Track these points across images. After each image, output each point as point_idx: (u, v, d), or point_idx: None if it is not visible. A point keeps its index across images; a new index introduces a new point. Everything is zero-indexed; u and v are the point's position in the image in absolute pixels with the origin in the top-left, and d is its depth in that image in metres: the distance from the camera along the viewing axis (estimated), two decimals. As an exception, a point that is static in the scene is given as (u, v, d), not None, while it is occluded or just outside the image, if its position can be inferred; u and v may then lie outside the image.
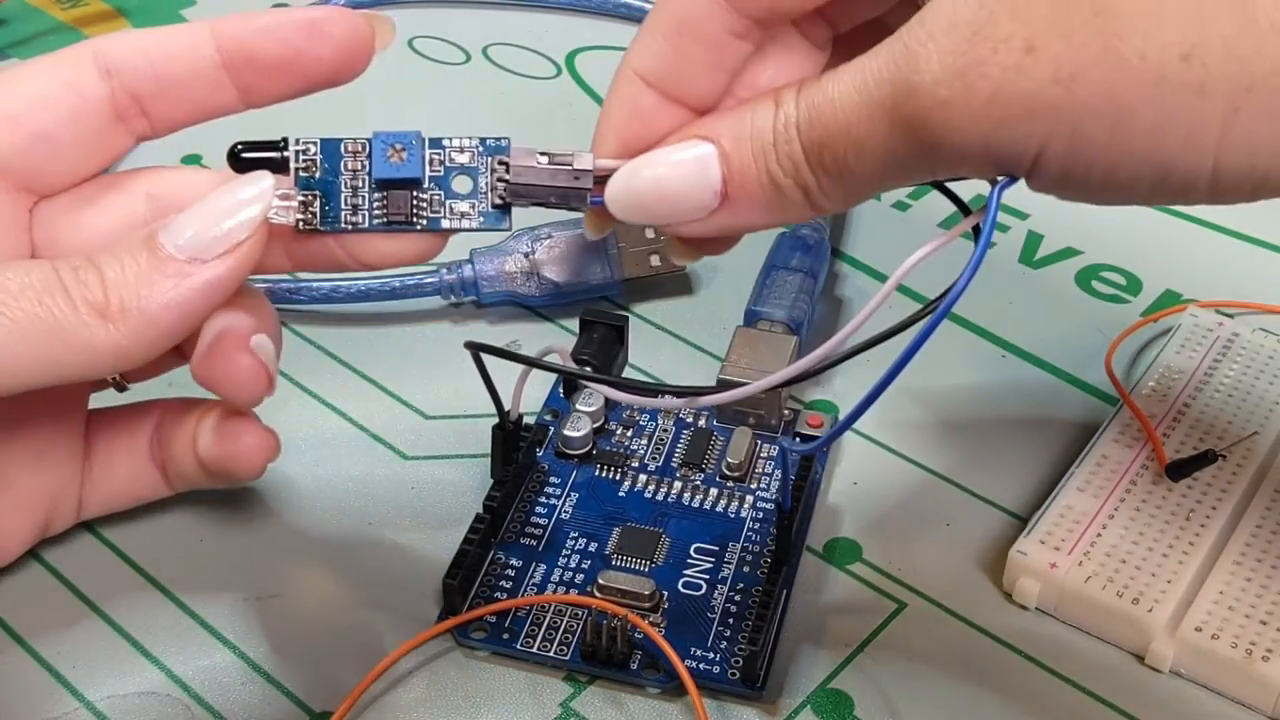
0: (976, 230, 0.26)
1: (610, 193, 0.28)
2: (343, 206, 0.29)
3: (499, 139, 0.29)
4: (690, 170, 0.27)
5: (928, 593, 0.34)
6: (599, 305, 0.41)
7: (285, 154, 0.29)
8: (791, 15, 0.28)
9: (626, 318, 0.38)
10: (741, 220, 0.27)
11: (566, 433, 0.36)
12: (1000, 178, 0.25)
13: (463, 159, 0.29)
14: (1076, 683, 0.32)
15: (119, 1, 0.57)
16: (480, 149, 0.29)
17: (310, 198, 0.29)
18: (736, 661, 0.31)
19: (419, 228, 0.29)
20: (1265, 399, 0.37)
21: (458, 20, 0.56)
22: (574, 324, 0.39)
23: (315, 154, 0.29)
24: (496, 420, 0.33)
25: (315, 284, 0.41)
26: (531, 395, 0.36)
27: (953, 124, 0.23)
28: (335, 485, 0.36)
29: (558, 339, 0.40)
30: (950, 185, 0.28)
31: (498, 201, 0.29)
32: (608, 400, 0.37)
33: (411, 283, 0.41)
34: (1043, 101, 0.23)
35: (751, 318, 0.39)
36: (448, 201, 0.29)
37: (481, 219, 0.29)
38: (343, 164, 0.29)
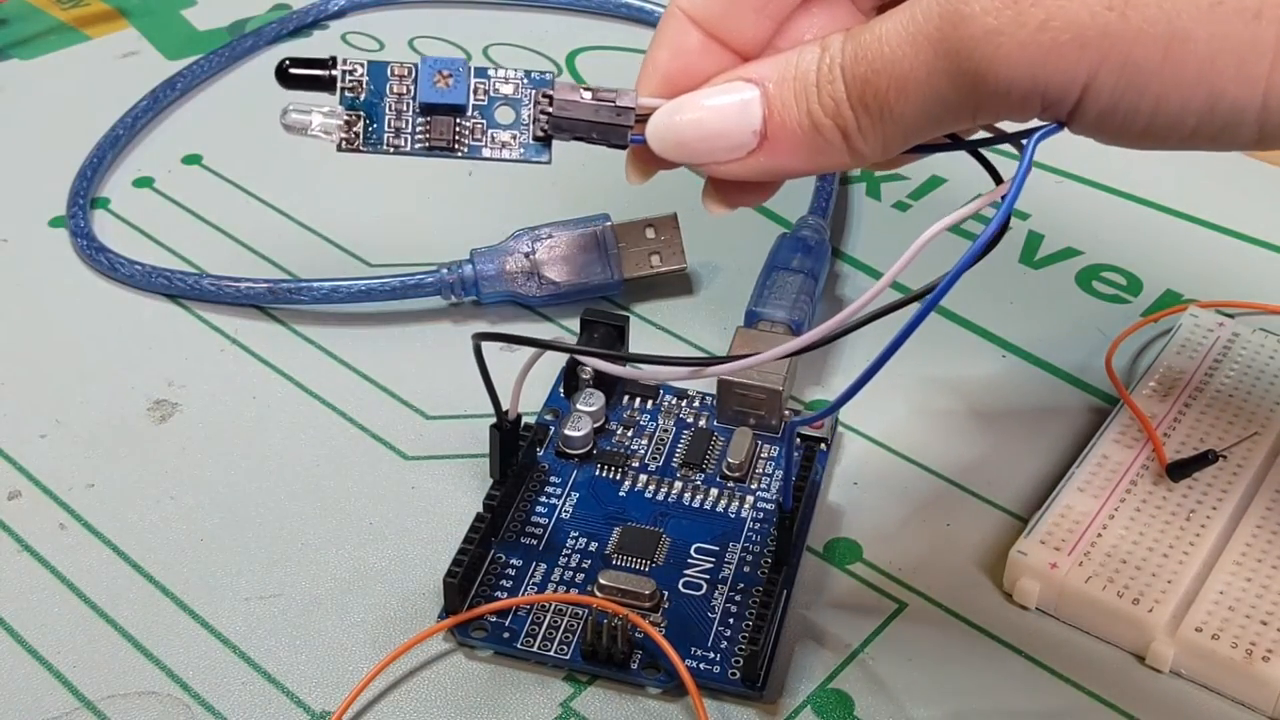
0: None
1: (651, 128, 0.28)
2: (386, 129, 0.29)
3: (544, 72, 0.29)
4: (732, 111, 0.27)
5: (928, 593, 0.34)
6: (599, 305, 0.41)
7: (332, 72, 0.29)
8: None
9: (627, 318, 0.38)
10: (779, 163, 0.27)
11: (567, 432, 0.36)
12: (1041, 125, 0.24)
13: (507, 89, 0.29)
14: (1076, 683, 0.32)
15: (119, 1, 0.57)
16: (525, 81, 0.29)
17: (354, 118, 0.29)
18: (737, 661, 0.31)
19: (459, 155, 0.29)
20: (1266, 399, 0.37)
21: (458, 20, 0.56)
22: (574, 324, 0.39)
23: (362, 75, 0.29)
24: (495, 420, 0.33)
25: (315, 284, 0.41)
26: (531, 395, 0.36)
27: (1001, 53, 0.23)
28: (335, 485, 0.36)
29: (558, 339, 0.40)
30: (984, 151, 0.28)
31: (539, 134, 0.29)
32: (608, 400, 0.37)
33: (411, 283, 0.41)
34: (1095, 28, 0.23)
35: (752, 318, 0.39)
36: (490, 131, 0.29)
37: (522, 150, 0.29)
38: (388, 86, 0.29)
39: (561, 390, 0.38)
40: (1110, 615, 0.32)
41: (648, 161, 0.29)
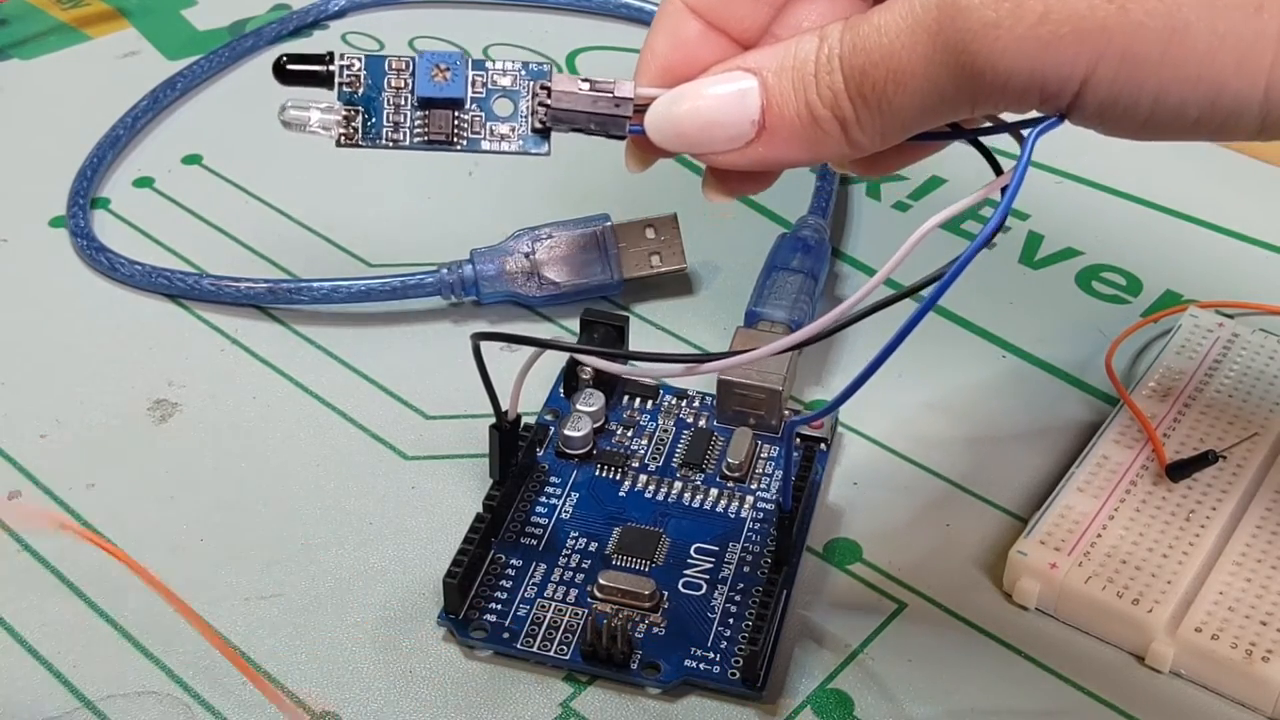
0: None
1: (650, 118, 0.28)
2: (384, 123, 0.29)
3: (541, 64, 0.29)
4: (730, 100, 0.27)
5: (928, 593, 0.34)
6: (599, 305, 0.41)
7: (330, 68, 0.29)
8: None
9: (627, 318, 0.38)
10: (777, 153, 0.27)
11: (567, 433, 0.36)
12: (1041, 117, 0.24)
13: (505, 82, 0.29)
14: (1076, 683, 0.32)
15: (119, 1, 0.57)
16: (523, 73, 0.29)
17: (352, 112, 0.29)
18: (736, 661, 0.31)
19: (459, 148, 0.29)
20: (1266, 400, 0.37)
21: (458, 20, 0.56)
22: (574, 324, 0.39)
23: (359, 69, 0.29)
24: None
25: (315, 284, 0.41)
26: (531, 395, 0.36)
27: (999, 46, 0.23)
28: (335, 485, 0.36)
29: (558, 339, 0.40)
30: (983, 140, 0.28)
31: (538, 125, 0.29)
32: (608, 400, 0.37)
33: (412, 283, 0.41)
34: (1095, 20, 0.23)
35: (752, 318, 0.39)
36: (488, 123, 0.29)
37: (521, 142, 0.29)
38: (386, 81, 0.29)
39: (561, 390, 0.38)
40: (1110, 615, 0.32)
41: (647, 150, 0.29)
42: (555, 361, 0.38)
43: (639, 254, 0.41)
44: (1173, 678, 0.32)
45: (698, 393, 0.38)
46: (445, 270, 0.41)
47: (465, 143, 0.29)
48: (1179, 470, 0.34)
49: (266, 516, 0.35)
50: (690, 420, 0.37)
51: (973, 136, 0.28)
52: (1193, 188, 0.47)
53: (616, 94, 0.28)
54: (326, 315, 0.41)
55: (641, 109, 0.28)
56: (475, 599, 0.33)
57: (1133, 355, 0.40)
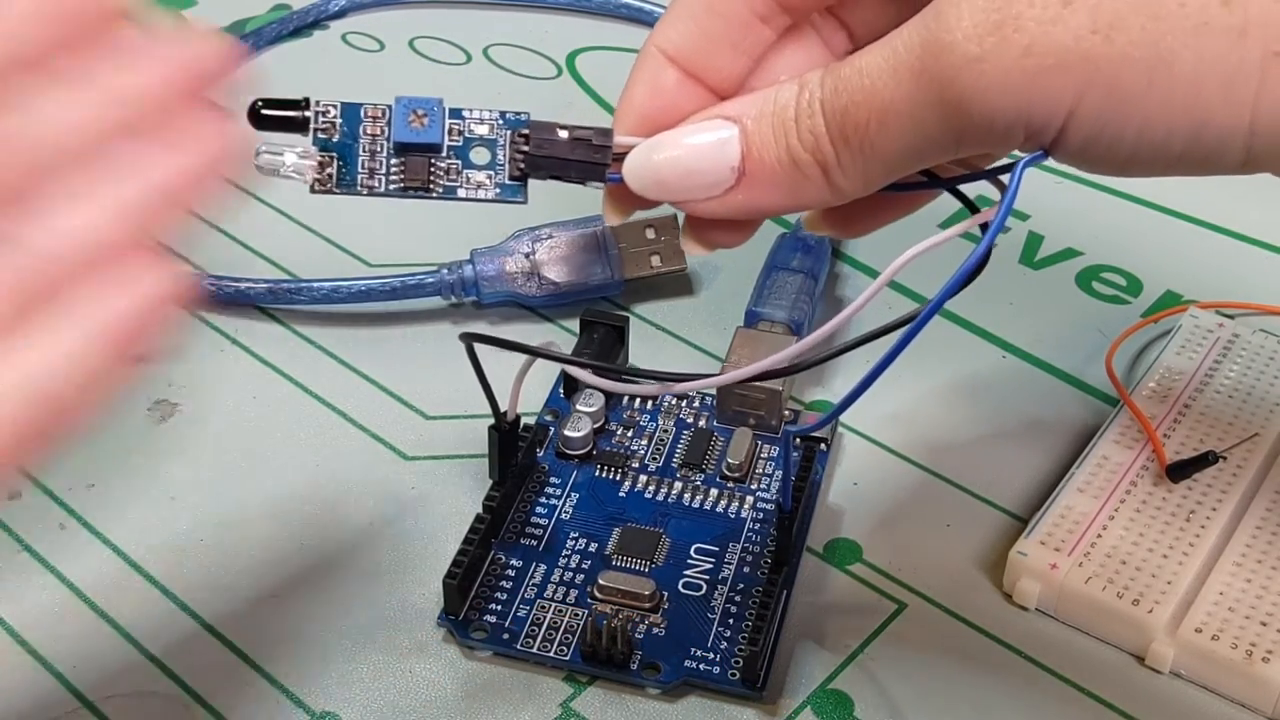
0: (984, 230, 0.26)
1: (628, 167, 0.28)
2: (359, 170, 0.29)
3: (519, 113, 0.29)
4: (710, 148, 0.27)
5: (928, 593, 0.34)
6: (599, 305, 0.41)
7: (305, 114, 0.28)
8: (818, 2, 0.28)
9: (627, 318, 0.38)
10: (758, 200, 0.27)
11: (567, 433, 0.36)
12: (1026, 154, 0.24)
13: (482, 130, 0.29)
14: (1076, 684, 0.32)
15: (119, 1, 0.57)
16: (500, 122, 0.29)
17: (327, 159, 0.29)
18: (737, 662, 0.31)
19: (435, 195, 0.29)
20: (1266, 400, 0.37)
21: (458, 20, 0.56)
22: (574, 324, 0.39)
23: (335, 116, 0.28)
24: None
25: (315, 284, 0.41)
26: (532, 395, 0.36)
27: (984, 81, 0.23)
28: (335, 485, 0.36)
29: (558, 339, 0.40)
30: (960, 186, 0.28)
31: (515, 173, 0.29)
32: (608, 400, 0.37)
33: (412, 283, 0.41)
34: (1080, 53, 0.23)
35: (752, 318, 0.39)
36: (465, 171, 0.29)
37: (498, 190, 0.29)
38: (362, 128, 0.29)
39: (561, 391, 0.38)
40: (1110, 616, 0.32)
41: (625, 200, 0.29)
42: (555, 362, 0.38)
43: (639, 254, 0.41)
44: (1173, 678, 0.32)
45: (698, 393, 0.38)
46: (445, 270, 0.41)
47: (442, 190, 0.29)
48: (1179, 471, 0.34)
49: (266, 517, 0.35)
50: (690, 420, 0.37)
51: (951, 185, 0.28)
52: (1193, 188, 0.47)
53: (595, 141, 0.28)
54: (326, 315, 0.41)
55: (620, 157, 0.28)
56: (475, 600, 0.33)
57: (1133, 356, 0.40)
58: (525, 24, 0.55)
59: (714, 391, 0.37)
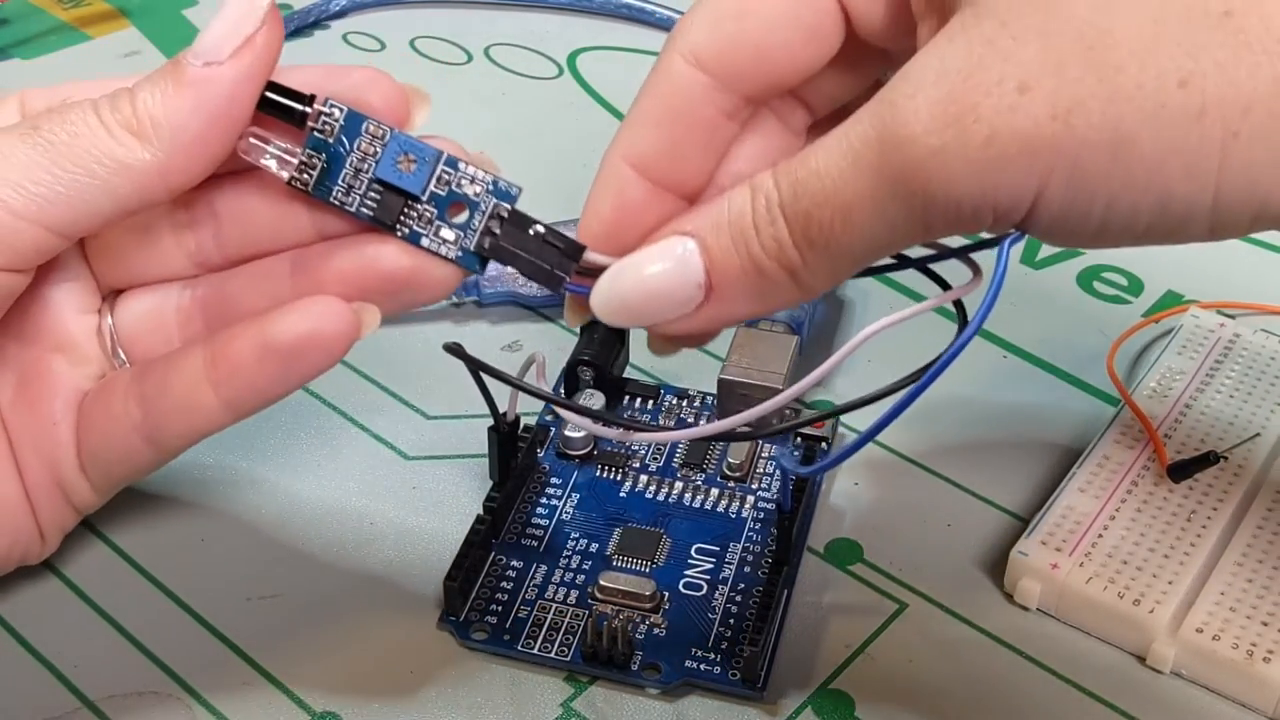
0: (958, 305, 0.26)
1: (595, 299, 0.27)
2: (339, 183, 0.28)
3: (511, 185, 0.28)
4: (672, 270, 0.26)
5: (928, 593, 0.34)
6: (600, 305, 0.41)
7: (307, 109, 0.28)
8: (785, 88, 0.27)
9: (627, 318, 0.38)
10: (728, 311, 0.26)
11: (567, 433, 0.36)
12: (1010, 231, 0.24)
13: (470, 189, 0.28)
14: (1077, 684, 0.32)
15: (120, 1, 0.57)
16: (490, 187, 0.28)
17: (311, 159, 0.28)
18: (737, 662, 0.31)
19: (399, 235, 0.28)
20: (1266, 400, 0.37)
21: (459, 20, 0.56)
22: (575, 324, 0.39)
23: (339, 119, 0.28)
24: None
25: (316, 284, 0.41)
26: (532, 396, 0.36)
27: (947, 171, 0.23)
28: (336, 485, 0.36)
29: (558, 340, 0.40)
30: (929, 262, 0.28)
31: (480, 248, 0.28)
32: (609, 401, 0.37)
33: (412, 283, 0.41)
34: (1041, 139, 0.22)
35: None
36: (436, 223, 0.28)
37: (460, 254, 0.28)
38: (358, 143, 0.28)
39: (562, 391, 0.38)
40: (1111, 616, 0.32)
41: (586, 310, 0.28)
42: (556, 362, 0.38)
43: (640, 254, 0.41)
44: (1174, 678, 0.32)
45: (698, 393, 0.38)
46: (446, 270, 0.41)
47: (407, 232, 0.28)
48: (1180, 471, 0.34)
49: (266, 517, 0.35)
50: (691, 420, 0.37)
51: (922, 264, 0.28)
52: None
53: (562, 249, 0.27)
54: (327, 315, 0.41)
55: (582, 271, 0.27)
56: (476, 600, 0.33)
57: (1134, 356, 0.40)
58: (526, 24, 0.55)
59: (714, 392, 0.37)
